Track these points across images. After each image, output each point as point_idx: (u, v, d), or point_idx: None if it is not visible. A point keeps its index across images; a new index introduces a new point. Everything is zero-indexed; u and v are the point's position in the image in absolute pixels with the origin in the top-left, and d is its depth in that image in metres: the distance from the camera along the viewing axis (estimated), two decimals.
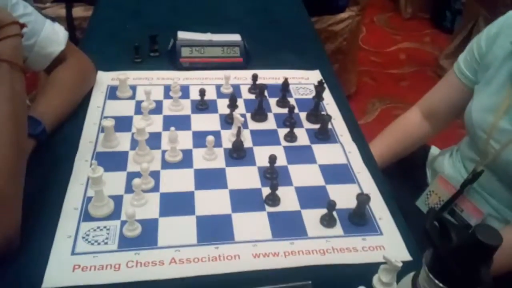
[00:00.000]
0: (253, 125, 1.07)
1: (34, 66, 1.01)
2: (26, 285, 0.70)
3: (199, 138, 0.99)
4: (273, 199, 0.87)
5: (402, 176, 1.21)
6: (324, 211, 0.84)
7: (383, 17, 3.60)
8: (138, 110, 1.05)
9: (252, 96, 1.15)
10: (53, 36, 1.00)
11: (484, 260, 0.50)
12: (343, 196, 0.87)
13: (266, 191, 0.88)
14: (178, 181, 0.90)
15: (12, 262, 0.72)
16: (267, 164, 0.92)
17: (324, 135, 1.04)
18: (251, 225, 0.82)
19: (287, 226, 0.83)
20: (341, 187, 0.92)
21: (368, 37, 3.26)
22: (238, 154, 0.97)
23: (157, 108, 1.09)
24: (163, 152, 0.96)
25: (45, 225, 0.78)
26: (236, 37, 1.29)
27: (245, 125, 1.04)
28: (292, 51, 1.37)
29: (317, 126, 1.06)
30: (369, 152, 1.03)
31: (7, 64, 0.76)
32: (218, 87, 1.18)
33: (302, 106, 1.13)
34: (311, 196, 0.89)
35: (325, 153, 1.00)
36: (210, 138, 0.94)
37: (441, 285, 0.52)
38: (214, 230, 0.81)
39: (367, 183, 0.94)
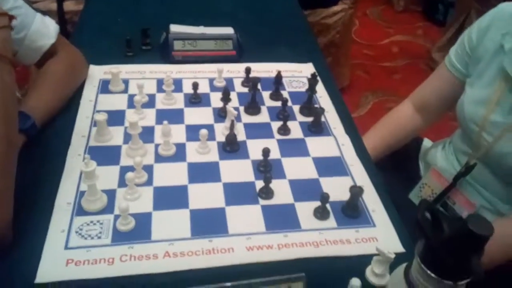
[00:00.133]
0: (247, 119, 1.07)
1: (24, 60, 0.99)
2: (20, 280, 0.70)
3: (192, 132, 0.99)
4: (267, 192, 0.87)
5: (395, 169, 1.21)
6: (317, 203, 0.84)
7: (375, 10, 3.60)
8: (131, 104, 1.05)
9: (245, 90, 1.15)
10: (43, 29, 0.99)
11: (475, 250, 0.50)
12: (336, 189, 0.88)
13: (259, 184, 0.88)
14: (172, 174, 0.90)
15: (5, 257, 0.72)
16: (261, 157, 0.92)
17: (317, 128, 1.04)
18: (245, 218, 0.83)
19: (280, 219, 0.83)
20: (334, 179, 0.92)
21: (361, 30, 3.26)
22: (232, 148, 0.97)
23: (150, 102, 1.08)
24: (156, 146, 0.96)
25: (38, 220, 0.78)
26: (229, 30, 1.28)
27: (238, 118, 1.04)
28: (285, 44, 1.36)
29: (310, 119, 1.06)
30: (362, 145, 1.03)
31: None
32: (211, 80, 1.18)
33: (295, 99, 1.13)
34: (304, 189, 0.89)
35: (318, 146, 1.00)
36: (204, 131, 0.94)
37: (433, 275, 0.53)
38: (208, 223, 0.81)
39: (360, 175, 0.94)
